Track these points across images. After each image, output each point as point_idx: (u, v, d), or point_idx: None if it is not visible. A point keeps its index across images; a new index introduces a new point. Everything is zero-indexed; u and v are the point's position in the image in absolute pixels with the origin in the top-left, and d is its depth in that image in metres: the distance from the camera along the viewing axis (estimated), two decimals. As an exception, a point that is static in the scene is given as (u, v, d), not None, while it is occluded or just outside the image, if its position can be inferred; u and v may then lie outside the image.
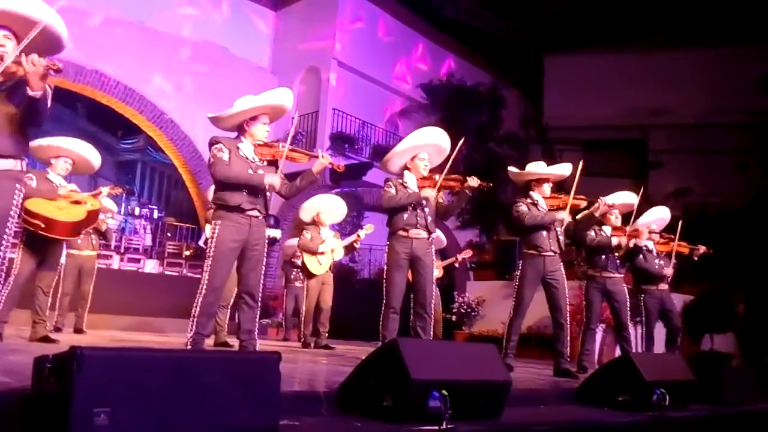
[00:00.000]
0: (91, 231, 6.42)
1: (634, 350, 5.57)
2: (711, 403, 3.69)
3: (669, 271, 5.74)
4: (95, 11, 10.90)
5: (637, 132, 14.81)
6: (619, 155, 15.39)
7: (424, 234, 4.43)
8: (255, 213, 3.81)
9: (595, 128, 14.78)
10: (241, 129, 3.89)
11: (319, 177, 4.11)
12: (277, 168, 3.91)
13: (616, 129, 14.72)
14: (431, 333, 4.50)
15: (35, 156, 4.81)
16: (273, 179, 3.78)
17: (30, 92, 2.57)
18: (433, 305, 4.52)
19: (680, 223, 5.85)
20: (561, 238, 4.92)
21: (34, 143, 4.62)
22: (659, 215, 5.98)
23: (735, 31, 13.32)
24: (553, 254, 4.84)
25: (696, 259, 5.96)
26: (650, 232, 5.65)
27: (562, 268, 4.89)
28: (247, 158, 3.83)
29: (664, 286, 5.81)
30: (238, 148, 3.82)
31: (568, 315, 4.86)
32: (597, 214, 5.11)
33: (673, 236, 5.88)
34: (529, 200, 4.92)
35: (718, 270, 7.46)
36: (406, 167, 4.59)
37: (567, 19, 14.51)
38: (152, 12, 11.63)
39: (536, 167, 5.06)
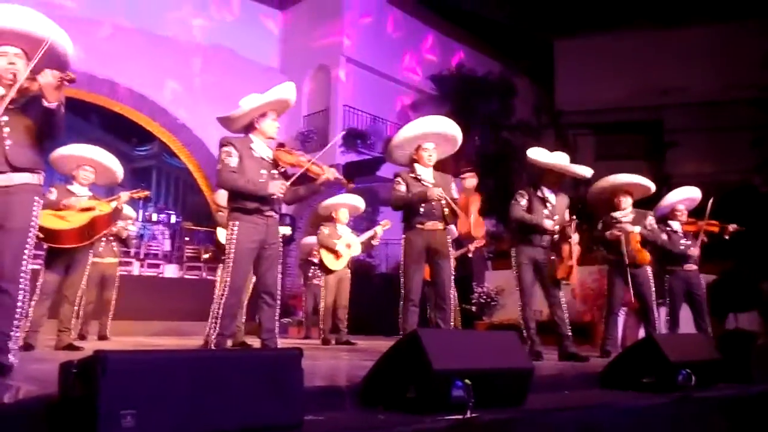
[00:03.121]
0: (112, 238, 6.50)
1: (658, 333, 5.51)
2: (738, 382, 3.64)
3: (695, 251, 5.66)
4: (104, 20, 11.00)
5: (651, 113, 14.64)
6: (633, 137, 15.24)
7: (440, 225, 4.39)
8: (271, 213, 3.82)
9: (608, 111, 14.63)
10: (251, 128, 3.87)
11: (324, 189, 4.06)
12: (288, 177, 3.90)
13: (629, 111, 14.56)
14: (451, 324, 4.50)
15: (57, 169, 4.85)
16: (276, 188, 3.71)
17: (46, 104, 2.62)
18: (451, 296, 4.50)
19: (710, 201, 5.72)
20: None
21: (54, 154, 4.68)
22: (688, 194, 5.80)
23: (743, 6, 13.10)
24: (544, 248, 4.84)
25: (727, 237, 5.84)
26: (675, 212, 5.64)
27: (550, 259, 4.88)
28: (261, 158, 3.82)
29: (691, 267, 5.70)
30: (251, 148, 3.80)
31: (563, 300, 4.83)
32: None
33: (695, 219, 5.80)
34: (536, 195, 4.85)
35: (740, 248, 7.35)
36: (413, 159, 4.49)
37: (574, 2, 14.34)
38: (160, 18, 11.72)
39: (558, 159, 4.84)
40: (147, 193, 5.55)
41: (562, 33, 15.40)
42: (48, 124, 2.72)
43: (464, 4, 14.71)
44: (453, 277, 4.77)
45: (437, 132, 4.48)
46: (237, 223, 3.72)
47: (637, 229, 5.28)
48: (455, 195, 4.57)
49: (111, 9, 11.15)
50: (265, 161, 3.83)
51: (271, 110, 3.88)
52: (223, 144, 3.79)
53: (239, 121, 3.87)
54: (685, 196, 5.79)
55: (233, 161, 3.72)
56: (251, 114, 3.84)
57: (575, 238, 4.88)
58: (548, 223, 4.76)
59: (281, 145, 3.98)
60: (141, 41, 11.31)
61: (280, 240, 3.95)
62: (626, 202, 5.40)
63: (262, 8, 13.59)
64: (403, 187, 4.39)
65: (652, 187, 5.48)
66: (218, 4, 12.84)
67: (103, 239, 6.21)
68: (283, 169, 3.90)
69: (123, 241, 6.74)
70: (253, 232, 3.71)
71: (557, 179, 4.90)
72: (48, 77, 2.57)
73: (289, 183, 3.83)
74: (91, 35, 10.45)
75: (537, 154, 4.87)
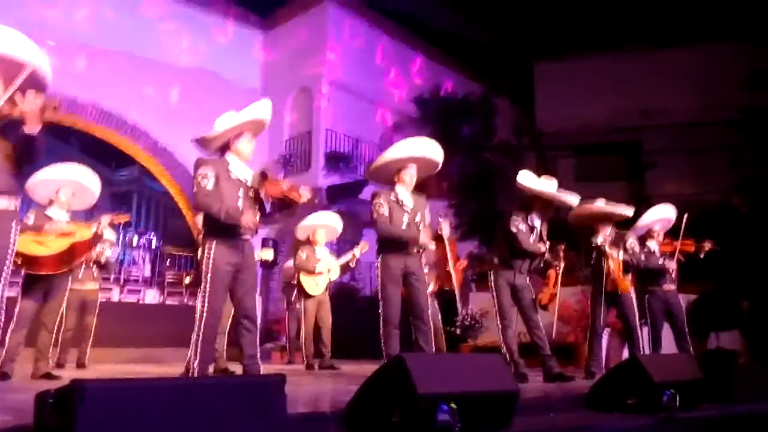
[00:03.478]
0: (92, 264, 6.40)
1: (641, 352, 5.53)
2: (721, 402, 3.66)
3: (672, 265, 5.70)
4: (85, 43, 10.95)
5: (630, 134, 14.85)
6: (613, 158, 15.42)
7: (415, 249, 4.46)
8: (247, 237, 3.75)
9: (588, 132, 14.81)
10: (226, 148, 3.77)
11: (297, 210, 3.96)
12: (261, 200, 3.80)
13: (609, 132, 14.75)
14: (433, 345, 4.49)
15: (35, 197, 4.76)
16: (248, 221, 3.58)
17: (27, 130, 2.57)
18: (431, 316, 4.52)
19: (685, 218, 5.77)
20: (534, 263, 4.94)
21: (32, 181, 4.61)
22: (663, 214, 5.84)
23: (721, 29, 13.41)
24: (521, 272, 4.90)
25: (702, 256, 5.89)
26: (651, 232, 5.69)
27: (530, 284, 4.95)
28: (239, 180, 3.73)
29: (669, 287, 5.76)
30: (228, 170, 3.70)
31: (540, 322, 4.87)
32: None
33: (671, 239, 5.86)
34: (527, 221, 4.88)
35: (720, 267, 7.44)
36: (394, 180, 4.49)
37: (553, 25, 14.60)
38: (141, 41, 11.68)
39: (549, 186, 4.86)
40: (128, 217, 5.47)
41: (542, 55, 15.64)
42: (28, 150, 2.68)
43: (446, 27, 14.90)
44: (434, 299, 4.75)
45: (424, 156, 4.52)
46: (213, 245, 3.63)
47: (621, 255, 5.34)
48: (428, 218, 4.61)
49: (91, 32, 11.11)
50: (243, 183, 3.74)
51: (247, 130, 3.79)
52: (198, 165, 3.67)
53: (215, 142, 3.77)
54: (660, 216, 5.85)
55: (209, 183, 3.61)
56: (226, 134, 3.73)
57: (562, 265, 4.94)
58: (543, 248, 4.81)
59: (265, 175, 3.82)
60: (122, 64, 11.27)
61: (257, 263, 3.89)
62: (606, 228, 5.46)
63: (244, 31, 13.64)
64: (384, 211, 4.38)
65: (630, 213, 5.54)
66: (200, 27, 12.85)
67: (83, 265, 6.11)
68: (270, 201, 3.80)
69: (103, 267, 6.62)
70: (229, 254, 3.63)
71: (545, 206, 4.94)
72: (31, 104, 2.52)
73: (261, 215, 3.73)
74: (72, 58, 10.40)
75: (527, 179, 4.89)
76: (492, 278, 4.91)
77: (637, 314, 5.45)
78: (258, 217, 3.67)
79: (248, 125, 3.79)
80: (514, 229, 4.80)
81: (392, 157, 4.48)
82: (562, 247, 4.94)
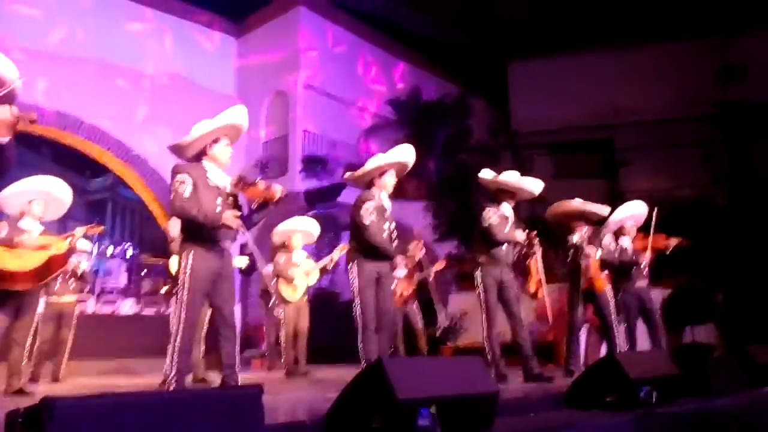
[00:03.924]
0: (68, 276, 6.30)
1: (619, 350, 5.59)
2: (697, 396, 3.70)
3: (645, 260, 5.74)
4: (54, 51, 10.78)
5: (604, 131, 15.02)
6: (588, 156, 15.59)
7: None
8: (226, 245, 3.72)
9: (563, 131, 14.95)
10: (203, 154, 3.73)
11: (273, 209, 3.90)
12: (238, 204, 3.80)
13: (583, 130, 14.91)
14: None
15: (7, 210, 4.68)
16: (229, 218, 3.57)
17: None
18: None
19: (655, 213, 5.81)
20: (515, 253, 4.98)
21: (4, 193, 4.53)
22: (634, 210, 5.88)
23: (691, 25, 13.62)
24: (507, 265, 4.94)
25: (667, 252, 5.94)
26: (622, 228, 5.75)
27: (513, 277, 5.00)
28: (217, 186, 3.69)
29: (641, 284, 5.83)
30: (206, 177, 3.66)
31: (523, 321, 4.93)
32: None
33: (643, 234, 5.92)
34: (500, 212, 4.93)
35: (694, 262, 7.54)
36: (373, 184, 4.52)
37: (525, 25, 14.73)
38: (113, 48, 11.52)
39: (509, 176, 5.01)
40: (102, 228, 5.39)
41: (515, 55, 15.76)
42: None
43: (420, 29, 14.95)
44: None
45: (405, 161, 4.60)
46: (191, 253, 3.58)
47: (598, 254, 5.40)
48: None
49: (59, 39, 10.95)
50: (221, 190, 3.70)
51: (223, 135, 3.75)
52: (176, 172, 3.63)
53: (190, 148, 3.73)
54: (630, 212, 5.88)
55: (187, 189, 3.56)
56: (202, 140, 3.70)
57: (539, 251, 4.98)
58: (520, 235, 4.83)
59: (243, 180, 3.77)
60: (93, 71, 11.12)
61: (234, 271, 3.86)
62: (582, 227, 5.52)
63: (216, 35, 13.54)
64: (375, 217, 4.40)
65: (605, 212, 5.60)
66: (172, 33, 12.73)
67: (60, 277, 6.05)
68: (254, 206, 3.78)
69: (80, 278, 6.53)
70: (207, 263, 3.59)
71: (511, 197, 5.00)
72: (5, 114, 2.48)
73: (240, 212, 3.69)
74: (41, 66, 10.23)
75: (487, 174, 5.04)
76: (479, 277, 4.92)
77: (614, 311, 5.50)
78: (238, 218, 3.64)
79: (223, 130, 3.75)
80: (486, 224, 4.88)
81: (379, 162, 4.53)
82: (534, 233, 5.00)
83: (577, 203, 5.52)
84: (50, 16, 11.00)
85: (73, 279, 6.44)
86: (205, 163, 3.73)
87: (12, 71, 2.74)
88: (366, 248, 4.41)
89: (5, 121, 2.50)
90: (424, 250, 7.28)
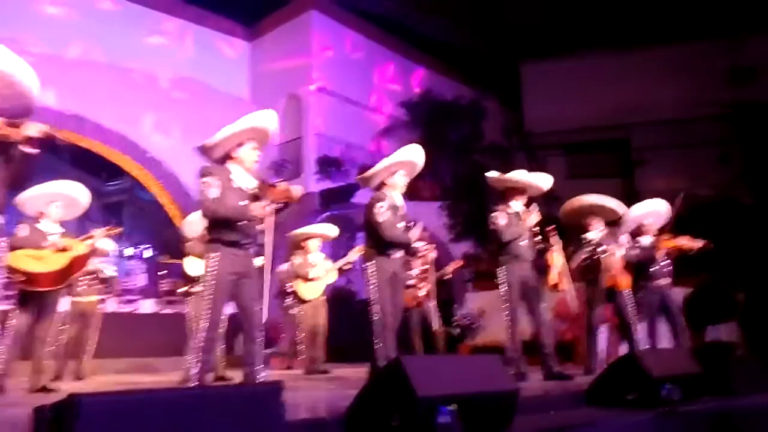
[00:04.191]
0: (93, 277, 6.42)
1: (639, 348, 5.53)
2: (719, 395, 3.67)
3: (661, 255, 5.69)
4: (72, 56, 10.92)
5: (619, 131, 14.92)
6: (603, 156, 15.48)
7: (401, 253, 4.57)
8: (250, 246, 3.75)
9: (577, 131, 14.87)
10: (228, 157, 3.77)
11: (292, 209, 4.01)
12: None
13: (598, 130, 14.82)
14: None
15: (26, 210, 4.75)
16: (258, 210, 3.65)
17: (27, 149, 2.71)
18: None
19: (679, 201, 5.74)
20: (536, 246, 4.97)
21: (22, 196, 4.60)
22: (654, 208, 5.78)
23: (706, 25, 13.51)
24: (529, 261, 4.94)
25: (691, 254, 5.83)
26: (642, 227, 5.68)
27: (536, 274, 5.00)
28: (241, 189, 3.72)
29: (663, 282, 5.74)
30: (230, 179, 3.69)
31: (546, 319, 4.93)
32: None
33: (668, 235, 5.84)
34: (509, 210, 4.93)
35: (715, 260, 7.45)
36: (384, 184, 4.55)
37: (537, 26, 14.67)
38: (129, 52, 11.65)
39: (515, 174, 5.02)
40: (120, 229, 5.47)
41: (528, 56, 15.70)
42: (21, 170, 2.78)
43: (432, 32, 14.95)
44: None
45: (416, 161, 4.62)
46: (217, 254, 3.61)
47: (621, 252, 5.35)
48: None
49: (78, 45, 11.09)
50: (246, 192, 3.72)
51: (249, 139, 3.77)
52: (203, 174, 3.65)
53: (216, 150, 3.76)
54: (650, 210, 5.79)
55: (214, 192, 3.60)
56: (228, 142, 3.73)
57: (557, 245, 4.97)
58: (531, 220, 4.87)
59: (264, 182, 3.84)
60: (110, 76, 11.24)
61: (256, 272, 3.89)
62: (596, 223, 5.47)
63: (230, 39, 13.65)
64: (388, 215, 4.41)
65: (620, 209, 5.54)
66: (187, 37, 12.85)
67: (84, 278, 6.24)
68: (276, 205, 3.82)
69: (104, 281, 6.65)
70: (232, 263, 3.62)
71: (521, 193, 4.99)
72: (33, 131, 2.67)
73: (269, 206, 3.73)
74: (60, 71, 10.36)
75: (494, 174, 5.08)
76: (502, 275, 4.90)
77: (634, 310, 5.44)
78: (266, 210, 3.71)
79: (248, 133, 3.77)
80: (493, 227, 4.90)
81: (389, 163, 4.55)
82: (552, 227, 4.99)
83: (593, 197, 5.48)
84: (70, 21, 11.15)
85: (97, 280, 6.56)
86: (231, 165, 3.76)
87: (35, 86, 2.82)
88: (382, 245, 4.43)
89: (37, 136, 2.68)
90: (435, 253, 7.26)
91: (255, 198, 3.78)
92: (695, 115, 13.35)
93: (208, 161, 3.83)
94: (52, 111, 10.14)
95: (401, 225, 4.50)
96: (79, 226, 6.91)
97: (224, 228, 3.64)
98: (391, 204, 4.47)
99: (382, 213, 4.39)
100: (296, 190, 3.81)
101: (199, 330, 3.59)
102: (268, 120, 3.85)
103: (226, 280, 3.61)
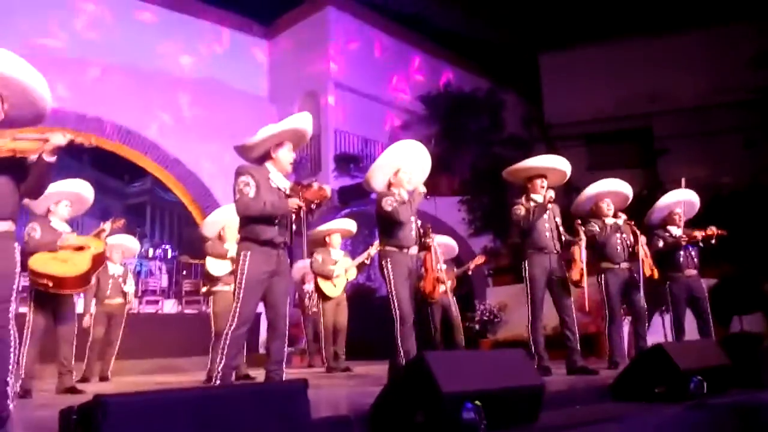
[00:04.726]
0: (119, 279, 6.58)
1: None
2: (748, 386, 3.60)
3: (694, 249, 5.60)
4: (92, 59, 11.04)
5: (641, 120, 14.72)
6: (624, 145, 15.29)
7: (415, 250, 4.60)
8: (282, 244, 3.75)
9: (597, 121, 14.70)
10: (267, 157, 3.80)
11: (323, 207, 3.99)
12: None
13: (618, 119, 14.63)
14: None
15: (36, 210, 4.79)
16: (294, 204, 3.67)
17: (46, 158, 2.74)
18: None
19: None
20: (563, 237, 4.91)
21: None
22: (684, 197, 5.66)
23: (725, 11, 13.27)
24: (556, 253, 4.87)
25: (709, 242, 5.70)
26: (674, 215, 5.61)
27: (563, 266, 4.93)
28: (278, 189, 3.75)
29: (691, 272, 5.64)
30: (268, 179, 3.72)
31: (573, 313, 4.83)
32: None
33: (695, 226, 5.74)
34: (530, 203, 4.89)
35: (740, 251, 7.33)
36: (390, 183, 4.57)
37: (556, 16, 14.51)
38: (147, 54, 11.75)
39: (530, 160, 5.02)
40: (123, 220, 5.51)
41: (546, 47, 15.55)
42: (40, 178, 2.84)
43: (449, 25, 14.86)
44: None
45: (415, 160, 4.62)
46: (249, 252, 3.63)
47: (642, 241, 5.31)
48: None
49: (98, 47, 11.20)
50: (281, 192, 3.75)
51: (288, 140, 3.82)
52: (240, 173, 3.68)
53: (255, 149, 3.79)
54: (681, 198, 5.68)
55: (251, 191, 3.63)
56: (267, 143, 3.76)
57: (583, 240, 4.93)
58: (545, 204, 4.81)
59: (299, 183, 3.87)
60: (129, 77, 11.34)
61: (290, 270, 3.91)
62: (609, 206, 5.39)
63: (248, 38, 13.70)
64: (397, 204, 4.42)
65: (629, 193, 5.46)
66: (205, 37, 12.92)
67: (110, 280, 6.47)
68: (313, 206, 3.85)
69: (127, 282, 6.77)
70: (264, 262, 3.63)
71: (541, 181, 4.94)
72: (60, 140, 2.73)
73: (302, 203, 3.73)
74: (80, 74, 10.50)
75: (509, 167, 5.09)
76: (526, 269, 4.86)
77: (643, 297, 5.33)
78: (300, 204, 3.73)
79: (287, 135, 3.81)
80: (515, 218, 4.89)
81: (385, 162, 4.58)
82: (578, 221, 4.95)
83: (601, 184, 5.43)
84: (85, 22, 11.26)
85: (122, 282, 6.66)
86: (268, 165, 3.80)
87: (48, 94, 2.86)
88: (397, 238, 4.45)
89: (59, 145, 2.72)
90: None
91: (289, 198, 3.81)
92: (718, 101, 13.12)
93: (245, 160, 3.85)
94: (74, 113, 10.29)
95: (413, 219, 4.54)
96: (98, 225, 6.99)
97: (260, 225, 3.64)
98: (399, 199, 4.49)
99: (390, 203, 4.41)
100: (328, 188, 3.85)
101: (228, 328, 3.59)
102: (307, 122, 3.92)
103: (257, 279, 3.62)
